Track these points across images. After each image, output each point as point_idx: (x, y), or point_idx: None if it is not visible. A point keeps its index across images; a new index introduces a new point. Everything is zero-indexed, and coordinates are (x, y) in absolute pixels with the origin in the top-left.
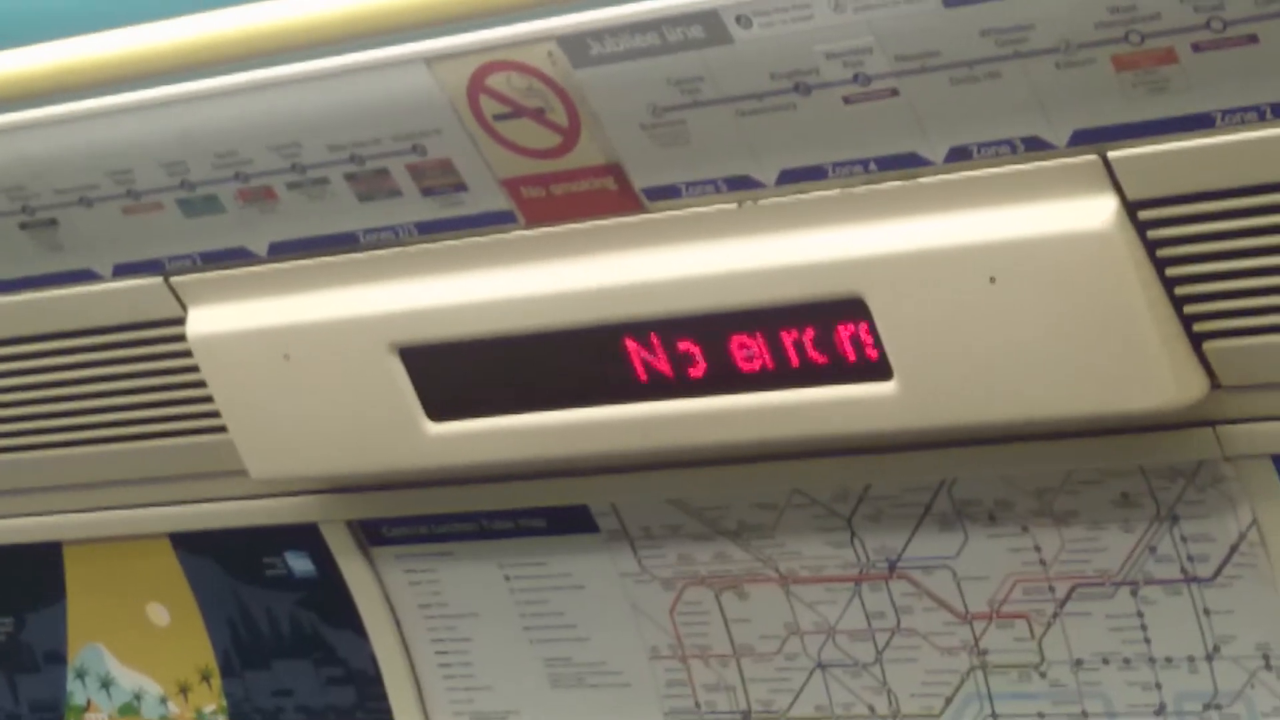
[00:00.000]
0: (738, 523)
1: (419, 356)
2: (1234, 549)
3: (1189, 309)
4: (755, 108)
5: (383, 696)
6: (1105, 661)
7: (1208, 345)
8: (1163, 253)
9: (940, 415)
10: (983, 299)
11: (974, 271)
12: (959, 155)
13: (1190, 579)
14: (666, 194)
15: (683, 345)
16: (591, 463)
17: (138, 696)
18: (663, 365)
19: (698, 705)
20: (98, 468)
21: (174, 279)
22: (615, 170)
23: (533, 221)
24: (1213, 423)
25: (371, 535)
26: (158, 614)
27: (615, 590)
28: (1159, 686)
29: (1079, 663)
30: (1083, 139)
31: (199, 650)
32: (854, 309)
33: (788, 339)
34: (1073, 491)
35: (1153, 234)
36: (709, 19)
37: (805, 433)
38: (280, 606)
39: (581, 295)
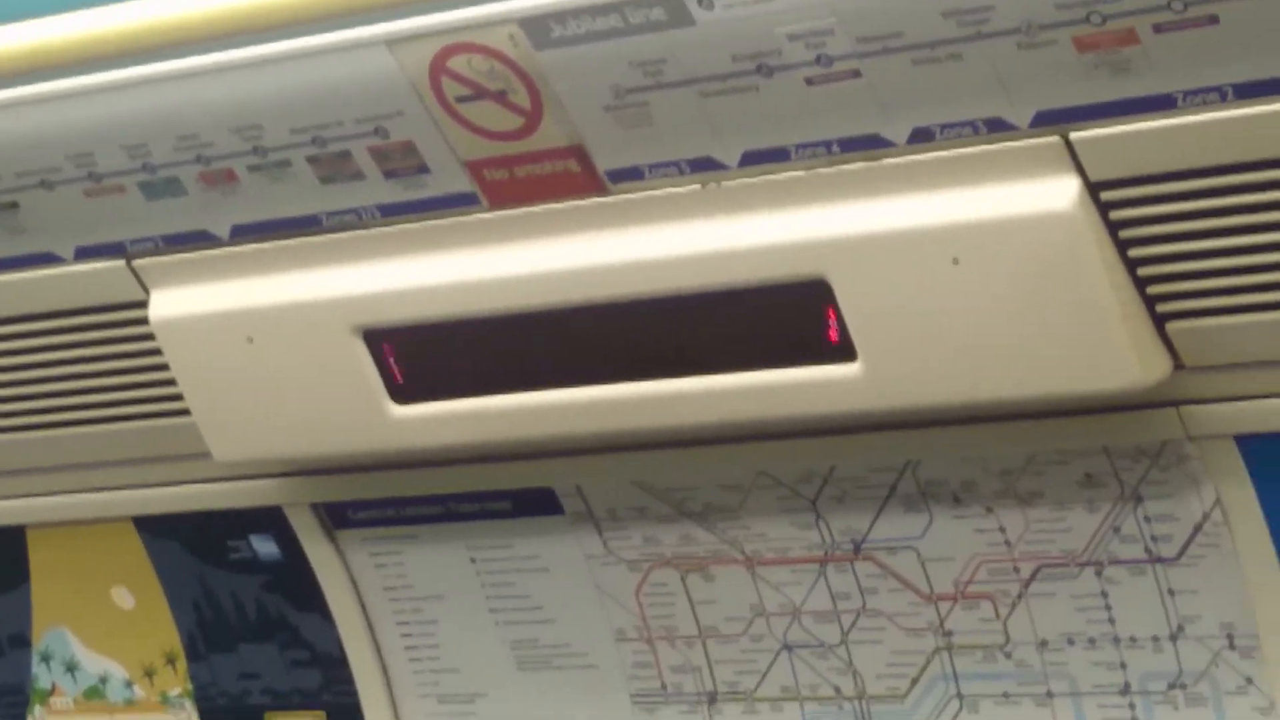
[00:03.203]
0: (703, 504)
1: (383, 339)
2: (1198, 529)
3: (1152, 290)
4: (718, 89)
5: (349, 679)
6: (1070, 642)
7: (1171, 326)
8: (1125, 234)
9: (904, 397)
10: (946, 280)
11: (937, 253)
12: (921, 136)
13: (1154, 559)
14: (629, 175)
15: (647, 327)
16: (556, 445)
17: (103, 680)
18: (627, 347)
19: (664, 686)
20: (60, 451)
21: (136, 262)
22: (578, 152)
23: (496, 204)
24: (1176, 403)
25: (336, 518)
26: (122, 597)
27: (581, 572)
28: (1124, 666)
29: (1044, 643)
30: (1045, 120)
31: (164, 634)
32: (818, 290)
33: (751, 321)
34: (1037, 472)
35: (1115, 215)
36: (671, 1)
37: (769, 414)
38: (245, 590)
39: (545, 277)
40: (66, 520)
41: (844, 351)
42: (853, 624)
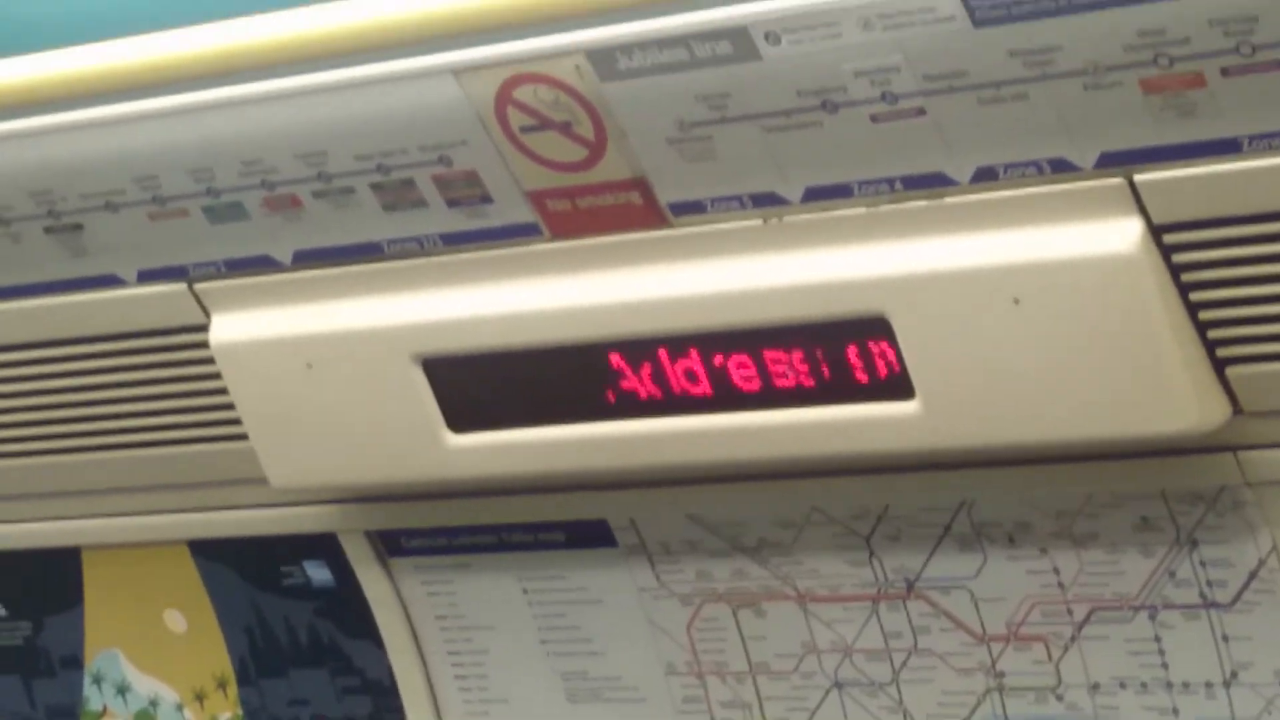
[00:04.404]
0: (757, 540)
1: (441, 367)
2: (1253, 575)
3: (1213, 334)
4: (782, 124)
5: (398, 708)
6: (1122, 686)
7: (1231, 370)
8: (1187, 277)
9: (962, 436)
10: (1006, 320)
11: (998, 292)
12: (985, 175)
13: (1209, 604)
14: (692, 209)
15: (705, 361)
16: (611, 477)
17: (154, 703)
18: (685, 381)
19: None
20: (118, 473)
21: (198, 285)
22: (641, 184)
23: (557, 234)
24: (1234, 448)
25: (390, 546)
26: (175, 621)
27: (633, 605)
28: (1176, 712)
29: (1096, 686)
30: (1109, 161)
31: (215, 658)
32: (877, 327)
33: (810, 356)
34: (1092, 514)
35: (1178, 258)
36: (738, 35)
37: (826, 451)
38: (297, 615)
39: (605, 309)
40: (122, 542)
41: (902, 389)
42: (904, 663)
